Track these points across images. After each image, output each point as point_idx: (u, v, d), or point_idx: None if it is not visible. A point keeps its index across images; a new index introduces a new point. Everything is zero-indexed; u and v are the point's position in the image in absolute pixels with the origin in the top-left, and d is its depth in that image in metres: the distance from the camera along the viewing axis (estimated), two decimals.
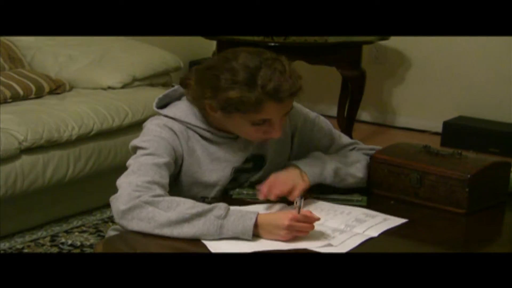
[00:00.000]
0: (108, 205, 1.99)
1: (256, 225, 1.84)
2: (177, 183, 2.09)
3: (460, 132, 4.76)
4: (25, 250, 3.19)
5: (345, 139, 2.29)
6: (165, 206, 1.85)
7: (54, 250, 3.21)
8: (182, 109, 2.08)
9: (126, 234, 1.93)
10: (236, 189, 2.14)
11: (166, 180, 1.96)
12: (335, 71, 4.75)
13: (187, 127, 2.07)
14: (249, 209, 1.91)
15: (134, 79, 3.95)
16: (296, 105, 2.19)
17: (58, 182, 3.36)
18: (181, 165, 2.07)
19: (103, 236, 3.24)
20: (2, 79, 3.65)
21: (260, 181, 2.13)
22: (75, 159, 3.41)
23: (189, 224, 1.83)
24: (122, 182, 1.93)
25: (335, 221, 1.95)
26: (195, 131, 2.08)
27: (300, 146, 2.23)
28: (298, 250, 1.81)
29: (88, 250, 3.19)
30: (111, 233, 2.19)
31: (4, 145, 3.14)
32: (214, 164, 2.09)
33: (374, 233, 1.89)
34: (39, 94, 3.70)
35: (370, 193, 2.19)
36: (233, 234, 1.83)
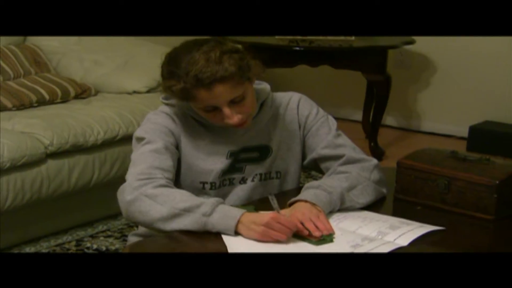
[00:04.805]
0: None
1: (238, 223, 1.84)
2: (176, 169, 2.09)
3: (486, 137, 4.72)
4: None
5: (340, 150, 2.16)
6: (162, 200, 1.89)
7: None
8: None
9: (153, 239, 1.96)
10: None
11: (168, 163, 2.01)
12: (360, 76, 4.73)
13: (184, 112, 2.10)
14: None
15: (159, 84, 3.93)
16: (309, 100, 2.21)
17: (83, 187, 3.37)
18: (179, 149, 2.09)
19: None
20: (28, 83, 3.67)
21: (267, 173, 2.12)
22: (101, 164, 3.42)
23: (178, 219, 1.87)
24: (127, 174, 2.01)
25: (368, 228, 1.92)
26: (192, 117, 2.10)
27: (305, 141, 2.19)
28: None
29: None
30: (131, 238, 2.20)
31: (30, 150, 3.15)
32: (210, 147, 2.10)
33: (405, 241, 1.85)
34: (65, 99, 3.71)
35: (396, 199, 2.17)
36: (217, 230, 1.86)
